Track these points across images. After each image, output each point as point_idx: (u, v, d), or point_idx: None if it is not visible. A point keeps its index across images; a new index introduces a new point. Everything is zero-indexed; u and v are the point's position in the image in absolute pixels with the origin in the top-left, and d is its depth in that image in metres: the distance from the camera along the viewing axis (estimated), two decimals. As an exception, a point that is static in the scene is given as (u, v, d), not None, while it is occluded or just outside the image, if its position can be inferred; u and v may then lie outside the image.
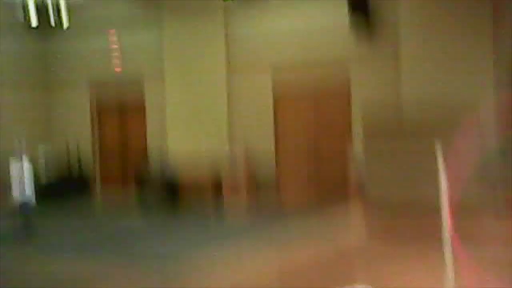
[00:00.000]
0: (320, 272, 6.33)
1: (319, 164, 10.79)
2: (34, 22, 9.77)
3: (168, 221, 10.68)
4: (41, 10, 9.80)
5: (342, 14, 9.79)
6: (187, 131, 11.94)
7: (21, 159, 9.44)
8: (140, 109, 12.77)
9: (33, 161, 10.65)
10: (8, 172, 9.57)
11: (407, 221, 7.23)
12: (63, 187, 12.91)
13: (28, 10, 9.75)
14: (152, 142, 12.51)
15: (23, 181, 9.31)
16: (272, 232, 8.72)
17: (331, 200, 10.00)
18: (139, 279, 6.41)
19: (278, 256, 7.36)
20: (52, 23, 9.75)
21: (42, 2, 9.85)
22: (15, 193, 9.25)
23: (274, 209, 10.78)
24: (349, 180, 9.66)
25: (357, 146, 9.52)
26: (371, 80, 10.16)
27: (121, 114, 13.26)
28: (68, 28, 9.92)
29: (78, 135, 13.46)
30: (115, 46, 12.69)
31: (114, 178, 13.26)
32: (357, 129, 9.83)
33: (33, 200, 9.43)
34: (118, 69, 12.80)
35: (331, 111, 10.72)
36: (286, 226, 9.27)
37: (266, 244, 7.83)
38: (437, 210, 4.97)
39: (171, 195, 11.43)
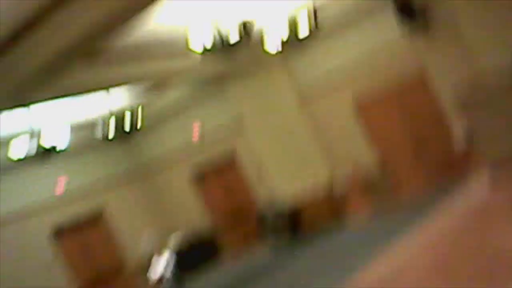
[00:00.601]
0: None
1: (421, 150, 11.27)
2: (111, 136, 10.64)
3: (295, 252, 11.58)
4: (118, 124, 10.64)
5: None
6: (284, 169, 12.71)
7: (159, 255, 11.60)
8: (236, 166, 13.85)
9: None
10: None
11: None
12: (193, 258, 13.90)
13: (108, 128, 10.61)
14: (258, 191, 13.49)
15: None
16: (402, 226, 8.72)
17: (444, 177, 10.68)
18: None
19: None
20: (127, 129, 10.59)
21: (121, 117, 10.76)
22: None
23: (394, 207, 11.20)
24: (454, 154, 10.20)
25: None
26: (443, 62, 10.29)
27: (218, 171, 14.27)
28: (142, 126, 10.96)
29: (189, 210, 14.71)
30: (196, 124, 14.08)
31: (233, 229, 14.22)
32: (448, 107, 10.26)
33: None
34: (195, 139, 14.14)
35: (415, 100, 11.14)
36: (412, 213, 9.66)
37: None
38: None
39: (291, 229, 12.41)
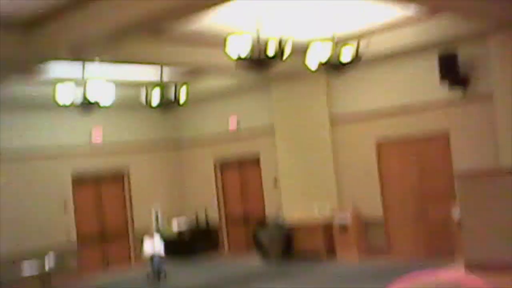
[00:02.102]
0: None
1: (424, 205, 11.57)
2: (155, 103, 11.38)
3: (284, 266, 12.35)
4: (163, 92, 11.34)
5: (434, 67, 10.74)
6: (296, 187, 13.36)
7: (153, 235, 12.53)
8: (255, 163, 14.40)
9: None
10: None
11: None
12: (192, 245, 14.73)
13: (151, 95, 11.34)
14: (269, 199, 14.12)
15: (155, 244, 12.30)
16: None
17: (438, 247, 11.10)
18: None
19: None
20: (172, 99, 11.25)
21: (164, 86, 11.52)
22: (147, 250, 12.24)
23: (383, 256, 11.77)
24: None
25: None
26: (468, 124, 10.84)
27: (240, 167, 14.96)
28: (185, 102, 11.66)
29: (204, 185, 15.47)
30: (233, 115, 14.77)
31: (237, 227, 14.93)
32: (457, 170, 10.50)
33: (163, 253, 12.27)
34: (233, 129, 14.75)
35: (431, 155, 11.49)
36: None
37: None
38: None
39: (285, 246, 12.97)
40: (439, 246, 11.23)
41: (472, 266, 9.42)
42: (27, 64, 9.87)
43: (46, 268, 12.23)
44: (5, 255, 12.18)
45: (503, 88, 10.29)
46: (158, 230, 13.74)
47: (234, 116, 14.74)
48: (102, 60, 10.43)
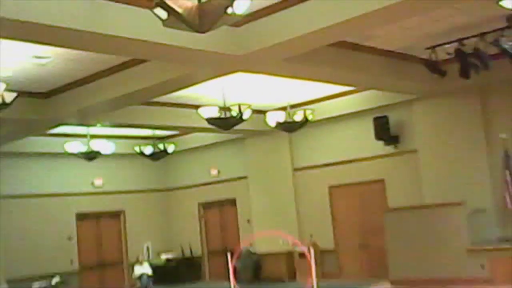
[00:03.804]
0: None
1: (366, 237, 14.19)
2: (148, 152, 14.55)
3: None
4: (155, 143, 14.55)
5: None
6: (266, 216, 15.99)
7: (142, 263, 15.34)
8: (232, 204, 17.15)
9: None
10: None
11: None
12: (177, 273, 17.18)
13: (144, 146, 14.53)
14: (242, 230, 16.83)
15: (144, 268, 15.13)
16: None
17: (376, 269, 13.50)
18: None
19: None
20: (162, 150, 14.40)
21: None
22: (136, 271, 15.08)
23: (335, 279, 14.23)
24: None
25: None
26: (399, 172, 13.57)
27: (220, 208, 17.68)
28: (173, 152, 14.81)
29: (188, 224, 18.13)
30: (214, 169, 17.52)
31: (216, 257, 17.21)
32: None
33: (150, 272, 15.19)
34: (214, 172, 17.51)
35: (371, 196, 14.12)
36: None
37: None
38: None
39: (256, 272, 15.56)
40: (377, 268, 13.72)
41: (396, 282, 11.98)
42: (40, 127, 12.58)
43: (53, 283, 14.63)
44: (18, 278, 14.60)
45: (425, 144, 13.04)
46: (147, 261, 16.31)
47: (215, 169, 17.56)
48: (102, 125, 13.21)
